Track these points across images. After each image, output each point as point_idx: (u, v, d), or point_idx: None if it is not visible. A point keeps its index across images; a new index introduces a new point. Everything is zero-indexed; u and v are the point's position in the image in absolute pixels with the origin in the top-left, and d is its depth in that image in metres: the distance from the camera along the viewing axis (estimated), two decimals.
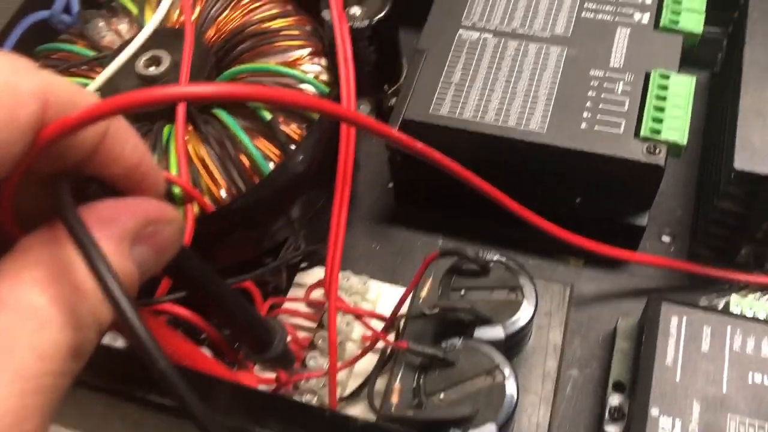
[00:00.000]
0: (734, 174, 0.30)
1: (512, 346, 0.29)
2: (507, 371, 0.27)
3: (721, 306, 0.34)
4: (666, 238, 0.38)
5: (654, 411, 0.28)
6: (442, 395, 0.26)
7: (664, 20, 0.36)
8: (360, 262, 0.38)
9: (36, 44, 0.36)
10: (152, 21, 0.32)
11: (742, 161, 0.30)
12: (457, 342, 0.27)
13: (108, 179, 0.18)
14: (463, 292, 0.29)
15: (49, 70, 0.17)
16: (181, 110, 0.31)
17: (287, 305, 0.35)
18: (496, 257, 0.30)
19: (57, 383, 0.15)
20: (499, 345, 0.28)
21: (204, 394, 0.23)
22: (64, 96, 0.16)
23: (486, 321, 0.28)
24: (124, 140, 0.18)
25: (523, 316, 0.28)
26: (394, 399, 0.27)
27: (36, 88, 0.16)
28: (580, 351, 0.34)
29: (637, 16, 0.37)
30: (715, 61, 0.42)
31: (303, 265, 0.37)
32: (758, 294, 0.34)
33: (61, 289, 0.16)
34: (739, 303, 0.33)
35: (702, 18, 0.36)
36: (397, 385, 0.27)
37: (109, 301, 0.15)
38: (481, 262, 0.29)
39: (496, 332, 0.28)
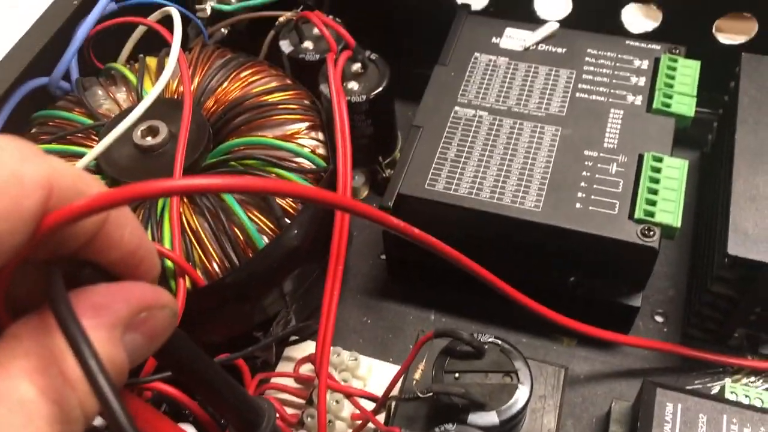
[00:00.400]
0: (728, 259, 0.30)
1: (506, 430, 0.29)
2: None
3: (715, 390, 0.34)
4: (659, 318, 0.37)
5: None
6: None
7: (657, 103, 0.36)
8: (351, 336, 0.38)
9: (34, 110, 0.36)
10: (152, 93, 0.32)
11: (735, 247, 0.30)
12: (451, 428, 0.27)
13: (104, 264, 0.18)
14: (457, 375, 0.28)
15: (53, 156, 0.17)
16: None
17: (276, 380, 0.34)
18: (491, 339, 0.29)
19: None
20: (493, 430, 0.27)
21: None
22: (68, 184, 0.16)
23: (480, 406, 0.27)
24: (123, 225, 0.18)
25: (518, 401, 0.28)
26: None
27: (41, 176, 0.15)
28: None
29: (630, 98, 0.37)
30: (705, 140, 0.42)
31: (293, 338, 0.36)
32: (752, 378, 0.34)
33: (50, 381, 0.15)
34: (734, 389, 0.32)
35: (694, 102, 0.37)
36: None
37: (97, 396, 0.15)
38: (476, 344, 0.28)
39: (491, 418, 0.27)
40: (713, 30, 0.40)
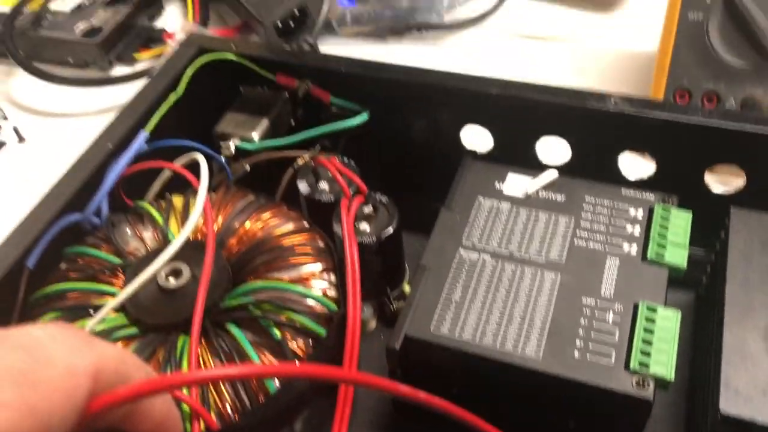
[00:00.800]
0: (720, 416, 0.31)
1: None
2: None
3: None
4: None
5: None
6: None
7: (651, 253, 0.39)
8: None
9: (66, 244, 0.39)
10: (177, 240, 0.34)
11: (727, 405, 0.31)
12: None
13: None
14: None
15: (99, 341, 0.19)
16: (196, 327, 0.33)
17: None
18: None
19: None
20: None
21: None
22: (112, 368, 0.18)
23: None
24: (155, 403, 0.20)
25: None
26: None
27: (90, 365, 0.18)
28: None
29: (626, 246, 0.39)
30: (700, 280, 0.44)
31: None
32: None
33: None
34: None
35: (686, 253, 0.39)
36: None
37: None
38: None
39: None
40: (705, 179, 0.43)
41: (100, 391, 0.18)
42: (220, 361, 0.33)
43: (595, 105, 0.42)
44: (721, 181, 0.44)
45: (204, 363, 0.33)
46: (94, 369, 0.18)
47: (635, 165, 0.44)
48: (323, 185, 0.43)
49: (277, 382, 0.33)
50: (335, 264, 0.38)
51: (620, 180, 0.44)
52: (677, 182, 0.42)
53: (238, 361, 0.33)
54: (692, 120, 0.41)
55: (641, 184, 0.43)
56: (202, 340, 0.34)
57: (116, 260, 0.37)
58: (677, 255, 0.38)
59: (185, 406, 0.31)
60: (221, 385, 0.32)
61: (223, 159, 0.45)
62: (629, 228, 0.40)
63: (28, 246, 0.37)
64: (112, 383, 0.18)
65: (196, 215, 0.36)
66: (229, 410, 0.32)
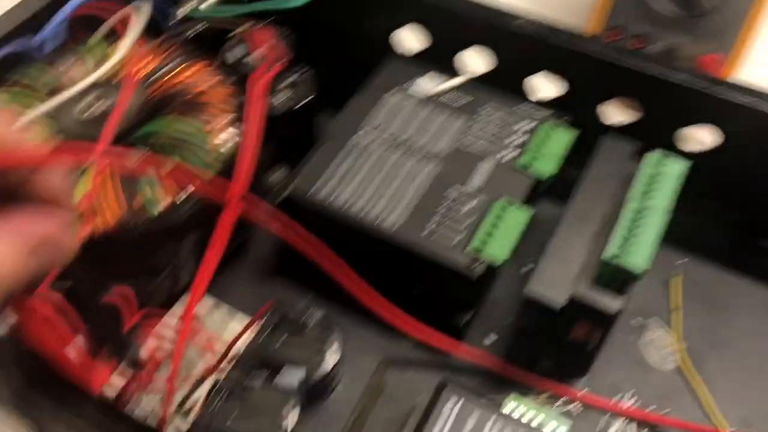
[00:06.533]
0: (524, 296, 0.37)
1: (315, 391, 0.35)
2: (292, 408, 0.33)
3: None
4: (492, 338, 0.44)
5: None
6: (234, 414, 0.32)
7: (523, 159, 0.43)
8: (235, 298, 0.43)
9: (9, 69, 0.44)
10: (105, 67, 0.39)
11: (531, 287, 0.36)
12: (263, 375, 0.34)
13: (33, 199, 0.24)
14: (284, 337, 0.35)
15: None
16: (101, 145, 0.38)
17: (159, 327, 0.41)
18: (319, 315, 0.36)
19: None
20: (300, 387, 0.34)
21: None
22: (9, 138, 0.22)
23: (291, 364, 0.34)
24: (49, 177, 0.24)
25: (323, 369, 0.35)
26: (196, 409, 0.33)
27: None
28: (389, 413, 0.40)
29: (504, 152, 0.44)
30: None
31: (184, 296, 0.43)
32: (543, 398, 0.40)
33: None
34: (511, 401, 0.38)
35: (555, 165, 0.43)
36: (200, 402, 0.33)
37: None
38: (302, 319, 0.35)
39: (297, 375, 0.34)
40: (604, 107, 0.47)
41: None
42: (118, 180, 0.38)
43: (520, 24, 0.46)
44: (618, 112, 0.48)
45: (102, 180, 0.38)
46: None
47: (544, 86, 0.48)
48: (251, 58, 0.47)
49: (162, 205, 0.38)
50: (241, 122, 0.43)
51: (531, 97, 0.48)
52: (579, 109, 0.46)
53: (133, 183, 0.38)
54: (594, 51, 0.44)
55: (548, 105, 0.47)
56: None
57: (53, 82, 0.42)
58: (547, 165, 0.43)
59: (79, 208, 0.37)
60: (113, 198, 0.38)
61: (170, 18, 0.49)
62: (514, 137, 0.44)
63: None
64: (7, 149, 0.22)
65: (124, 47, 0.40)
66: (114, 221, 0.38)
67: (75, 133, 0.40)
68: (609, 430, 0.41)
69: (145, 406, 0.38)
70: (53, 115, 0.40)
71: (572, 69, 0.46)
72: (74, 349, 0.35)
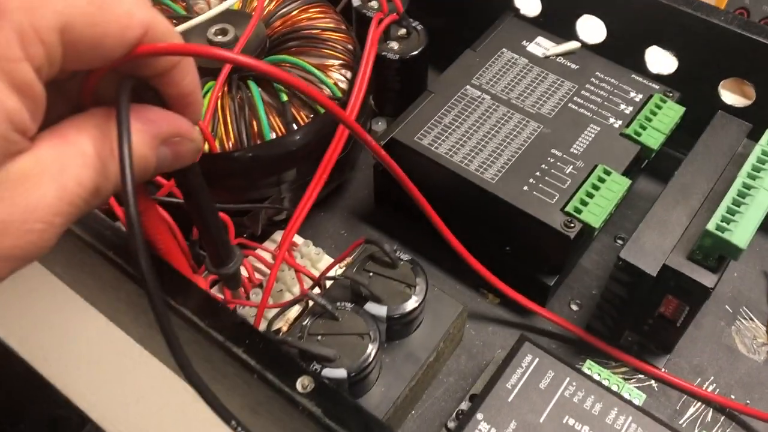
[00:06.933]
0: (620, 262, 0.36)
1: (395, 328, 0.36)
2: (373, 339, 0.34)
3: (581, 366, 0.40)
4: (574, 307, 0.44)
5: (479, 415, 0.34)
6: (319, 337, 0.34)
7: (630, 130, 0.42)
8: (326, 239, 0.46)
9: None
10: (226, 2, 0.41)
11: (627, 253, 0.36)
12: (348, 306, 0.35)
13: (164, 94, 0.25)
14: (371, 274, 0.36)
15: (157, 10, 0.24)
16: (223, 73, 0.40)
17: (256, 252, 0.43)
18: (407, 258, 0.37)
19: (80, 206, 0.22)
20: (381, 321, 0.35)
21: (161, 277, 0.31)
22: (160, 31, 0.23)
23: (376, 299, 0.35)
24: (187, 74, 0.25)
25: (407, 307, 0.35)
26: (284, 328, 0.34)
27: (145, 19, 0.22)
28: (463, 365, 0.41)
29: (611, 120, 0.43)
30: None
31: (283, 226, 0.45)
32: (619, 369, 0.40)
33: (104, 148, 0.22)
34: (591, 366, 0.39)
35: (662, 138, 0.42)
36: (290, 319, 0.35)
37: (121, 169, 0.22)
38: (393, 257, 0.36)
39: (381, 310, 0.35)
40: (719, 87, 0.45)
41: (146, 43, 0.22)
42: (234, 106, 0.40)
43: None
44: (735, 92, 0.46)
45: (221, 104, 0.40)
46: (147, 23, 0.22)
47: (657, 60, 0.47)
48: (373, 3, 0.48)
49: (273, 135, 0.40)
50: (355, 66, 0.44)
51: (642, 71, 0.47)
52: (692, 85, 0.45)
53: (247, 111, 0.40)
54: (715, 21, 0.43)
55: (658, 79, 0.46)
56: (225, 88, 0.41)
57: (182, 12, 0.45)
58: (653, 137, 0.42)
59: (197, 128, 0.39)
60: (229, 123, 0.40)
61: None
62: (623, 106, 0.44)
63: None
64: (157, 41, 0.23)
65: None
66: (230, 145, 0.40)
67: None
68: (686, 412, 0.40)
69: None
70: (184, 39, 0.42)
71: (688, 44, 0.45)
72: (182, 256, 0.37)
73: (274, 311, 0.39)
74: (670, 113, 0.43)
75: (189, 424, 0.44)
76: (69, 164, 0.21)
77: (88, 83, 0.23)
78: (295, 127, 0.41)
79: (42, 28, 0.19)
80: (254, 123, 0.40)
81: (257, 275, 0.43)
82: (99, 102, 0.23)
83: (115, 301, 0.41)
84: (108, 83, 0.23)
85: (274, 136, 0.40)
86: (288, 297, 0.42)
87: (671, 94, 0.44)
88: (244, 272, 0.42)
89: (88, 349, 0.49)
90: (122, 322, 0.45)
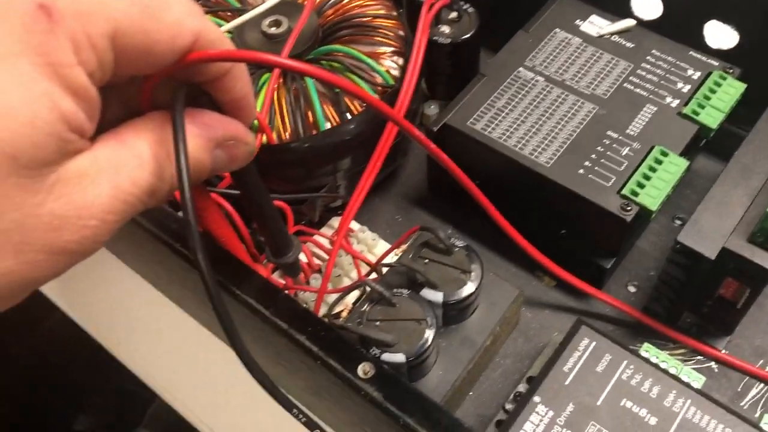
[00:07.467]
0: (678, 245, 0.36)
1: (451, 314, 0.37)
2: (430, 324, 0.35)
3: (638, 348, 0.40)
4: (632, 288, 0.44)
5: (536, 398, 0.35)
6: (378, 323, 0.35)
7: (688, 109, 0.42)
8: (381, 225, 0.47)
9: None
10: None
11: (685, 236, 0.36)
12: (405, 292, 0.36)
13: (218, 100, 0.26)
14: (426, 261, 0.37)
15: (207, 17, 0.25)
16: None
17: (314, 237, 0.44)
18: (462, 244, 0.37)
19: (135, 205, 0.23)
20: (437, 307, 0.36)
21: (224, 267, 0.32)
22: (210, 38, 0.24)
23: (432, 285, 0.36)
24: (239, 79, 0.25)
25: (462, 293, 0.36)
26: (344, 314, 0.36)
27: (194, 27, 0.23)
28: (520, 347, 0.42)
29: (668, 99, 0.43)
30: None
31: (339, 212, 0.46)
32: (678, 351, 0.40)
33: (160, 151, 0.23)
34: (648, 349, 0.38)
35: (721, 117, 0.41)
36: (350, 306, 0.36)
37: (177, 172, 0.23)
38: (447, 243, 0.37)
39: (437, 296, 0.36)
40: None
41: (197, 50, 0.23)
42: (289, 97, 0.41)
43: None
44: None
45: (277, 96, 0.41)
46: (198, 31, 0.23)
47: (716, 35, 0.46)
48: None
49: (328, 124, 0.41)
50: (406, 52, 0.44)
51: (702, 47, 0.46)
52: (754, 60, 0.44)
53: (303, 102, 0.41)
54: None
55: (718, 54, 0.45)
56: (281, 79, 0.42)
57: (236, 5, 0.46)
58: (712, 116, 0.41)
59: (255, 121, 0.40)
60: (286, 114, 0.41)
61: None
62: (680, 84, 0.43)
63: None
64: (208, 49, 0.23)
65: None
66: (287, 135, 0.41)
67: (257, 51, 0.43)
68: (747, 394, 0.40)
69: None
70: (238, 32, 0.43)
71: (748, 16, 0.44)
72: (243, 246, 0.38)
73: (333, 296, 0.41)
74: (730, 90, 0.42)
75: (254, 399, 0.46)
76: (125, 165, 0.22)
77: (144, 88, 0.24)
78: (349, 116, 0.41)
79: (94, 35, 0.20)
80: (309, 114, 0.41)
81: (316, 260, 0.44)
82: (156, 106, 0.24)
83: (182, 288, 0.43)
84: (164, 88, 0.24)
85: (329, 125, 0.41)
86: (346, 282, 0.43)
87: (731, 71, 0.43)
88: (303, 258, 0.43)
89: (156, 331, 0.51)
90: (189, 307, 0.47)
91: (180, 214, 0.37)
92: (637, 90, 0.43)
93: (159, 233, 0.34)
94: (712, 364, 0.41)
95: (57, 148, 0.20)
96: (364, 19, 0.45)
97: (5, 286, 0.20)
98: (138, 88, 0.24)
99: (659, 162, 0.40)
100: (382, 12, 0.46)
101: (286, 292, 0.41)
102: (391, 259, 0.40)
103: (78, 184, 0.21)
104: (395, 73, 0.43)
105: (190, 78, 0.24)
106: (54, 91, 0.20)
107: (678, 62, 0.44)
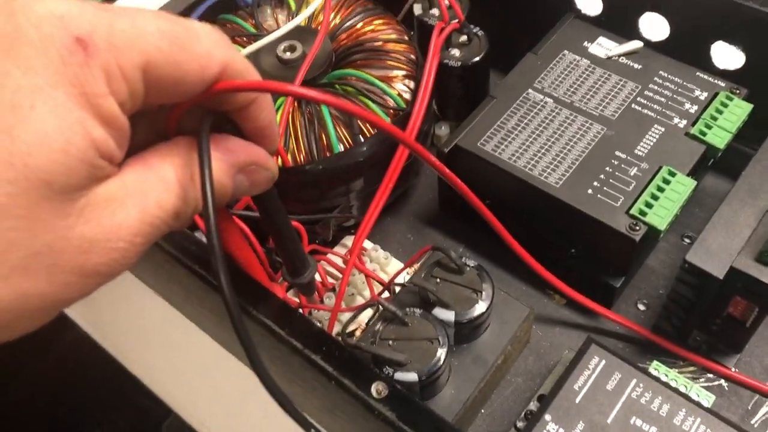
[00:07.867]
0: (687, 264, 0.37)
1: (463, 332, 0.38)
2: (442, 343, 0.35)
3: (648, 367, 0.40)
4: (641, 307, 0.44)
5: (547, 416, 0.35)
6: (390, 342, 0.36)
7: (695, 129, 0.42)
8: (393, 244, 0.48)
9: (219, 12, 0.49)
10: (295, 20, 0.43)
11: (693, 256, 0.36)
12: (417, 311, 0.36)
13: (242, 127, 0.27)
14: (438, 280, 0.38)
15: (234, 47, 0.25)
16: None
17: (328, 256, 0.45)
18: (473, 264, 0.38)
19: (161, 228, 0.24)
20: (449, 326, 0.37)
21: (243, 288, 0.33)
22: (237, 68, 0.24)
23: (444, 305, 0.37)
24: (264, 108, 0.26)
25: (474, 312, 0.37)
26: (358, 332, 0.36)
27: (222, 58, 0.24)
28: (531, 365, 0.42)
29: (676, 120, 0.43)
30: None
31: (352, 232, 0.47)
32: (687, 369, 0.40)
33: (185, 175, 0.24)
34: (658, 367, 0.39)
35: (729, 137, 0.42)
36: (363, 325, 0.37)
37: (202, 195, 0.24)
38: (459, 263, 0.38)
39: (449, 315, 0.37)
40: None
41: (224, 80, 0.24)
42: (304, 121, 0.42)
43: None
44: None
45: (292, 120, 0.42)
46: (226, 61, 0.24)
47: (722, 56, 0.47)
48: (434, 11, 0.50)
49: (341, 147, 0.42)
50: (417, 75, 0.45)
51: (708, 68, 0.47)
52: (762, 80, 0.44)
53: (317, 125, 0.42)
54: None
55: (725, 75, 0.46)
56: (295, 103, 0.43)
57: (252, 30, 0.47)
58: (719, 137, 0.42)
59: None
60: (300, 137, 0.42)
61: None
62: (687, 105, 0.44)
63: (188, 7, 0.47)
64: (235, 78, 0.24)
65: (315, 5, 0.44)
66: (301, 158, 0.42)
67: (272, 76, 0.44)
68: (757, 412, 0.40)
69: None
70: (254, 57, 0.44)
71: (755, 38, 0.44)
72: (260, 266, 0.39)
73: (347, 315, 0.41)
74: (737, 111, 0.43)
75: (268, 417, 0.47)
76: (151, 189, 0.23)
77: (172, 116, 0.25)
78: (361, 138, 0.42)
79: (126, 67, 0.21)
80: (323, 136, 0.42)
81: (330, 279, 0.45)
82: (182, 132, 0.25)
83: (199, 307, 0.44)
84: (191, 115, 0.25)
85: (342, 148, 0.42)
86: (359, 300, 0.44)
87: (738, 91, 0.44)
88: (317, 277, 0.44)
89: (173, 349, 0.52)
90: (206, 326, 0.48)
91: (197, 233, 0.38)
92: (645, 111, 0.44)
93: (178, 255, 0.35)
94: (722, 382, 0.41)
95: (88, 173, 0.21)
96: (377, 43, 0.46)
97: (37, 307, 0.21)
98: (165, 114, 0.25)
99: (667, 182, 0.40)
100: (393, 36, 0.47)
101: (301, 310, 0.42)
102: (404, 277, 0.41)
103: (107, 207, 0.22)
104: (407, 96, 0.44)
105: (217, 106, 0.25)
106: (86, 120, 0.21)
107: (685, 83, 0.45)
